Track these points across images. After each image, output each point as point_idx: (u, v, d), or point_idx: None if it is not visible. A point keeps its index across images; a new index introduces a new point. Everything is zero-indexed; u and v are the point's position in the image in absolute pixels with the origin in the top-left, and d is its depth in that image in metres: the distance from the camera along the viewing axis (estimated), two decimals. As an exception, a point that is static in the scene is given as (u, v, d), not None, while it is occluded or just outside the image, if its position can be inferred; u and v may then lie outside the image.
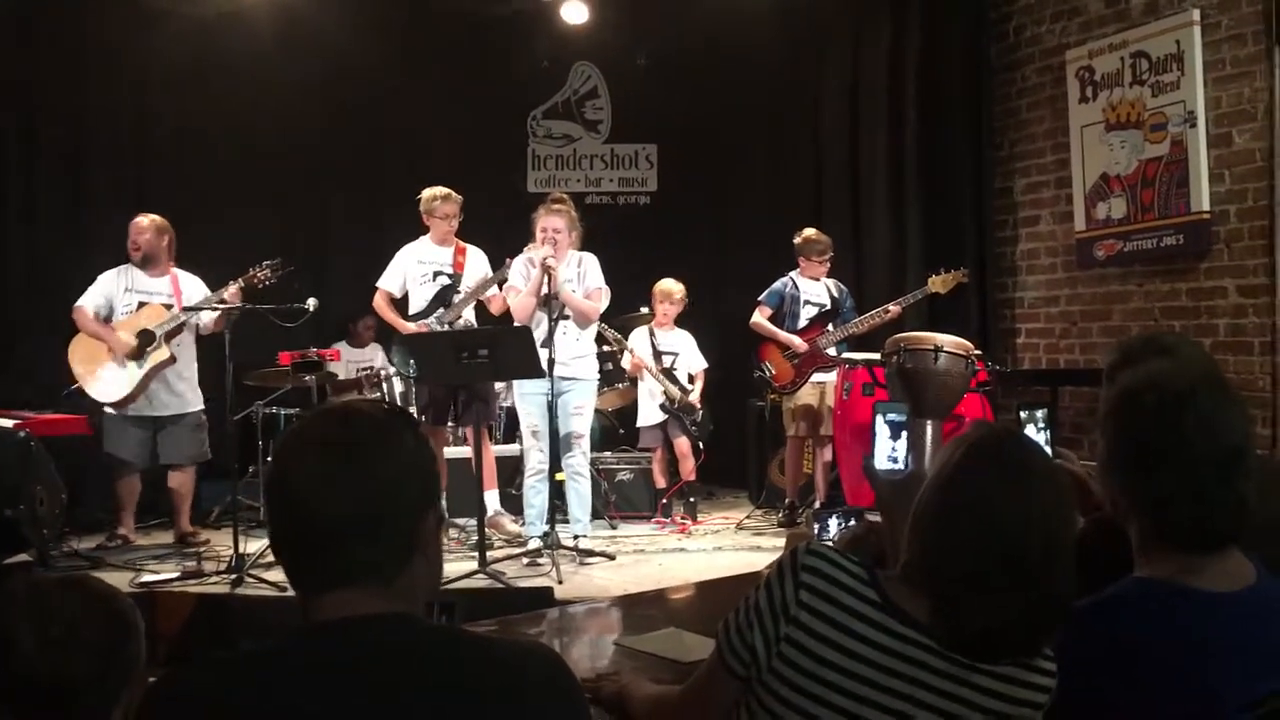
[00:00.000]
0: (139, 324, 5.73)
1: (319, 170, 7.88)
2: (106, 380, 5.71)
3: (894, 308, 6.32)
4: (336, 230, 8.18)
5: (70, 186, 7.03)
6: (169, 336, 5.75)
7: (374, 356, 7.60)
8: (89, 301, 5.81)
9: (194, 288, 5.96)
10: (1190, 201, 5.65)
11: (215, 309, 5.64)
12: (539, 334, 5.31)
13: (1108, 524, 1.80)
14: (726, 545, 6.01)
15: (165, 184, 7.13)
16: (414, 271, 6.13)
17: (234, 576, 4.86)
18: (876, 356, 5.48)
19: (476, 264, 6.11)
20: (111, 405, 5.74)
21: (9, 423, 5.13)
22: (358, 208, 8.15)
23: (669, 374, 6.89)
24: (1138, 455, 1.67)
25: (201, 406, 5.97)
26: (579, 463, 5.64)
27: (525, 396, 5.60)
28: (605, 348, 6.95)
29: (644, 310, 7.27)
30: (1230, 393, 1.71)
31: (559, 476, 5.63)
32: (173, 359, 5.78)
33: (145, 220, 5.93)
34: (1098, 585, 1.66)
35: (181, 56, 7.14)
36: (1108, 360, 2.21)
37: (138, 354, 5.69)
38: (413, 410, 6.00)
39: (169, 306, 5.78)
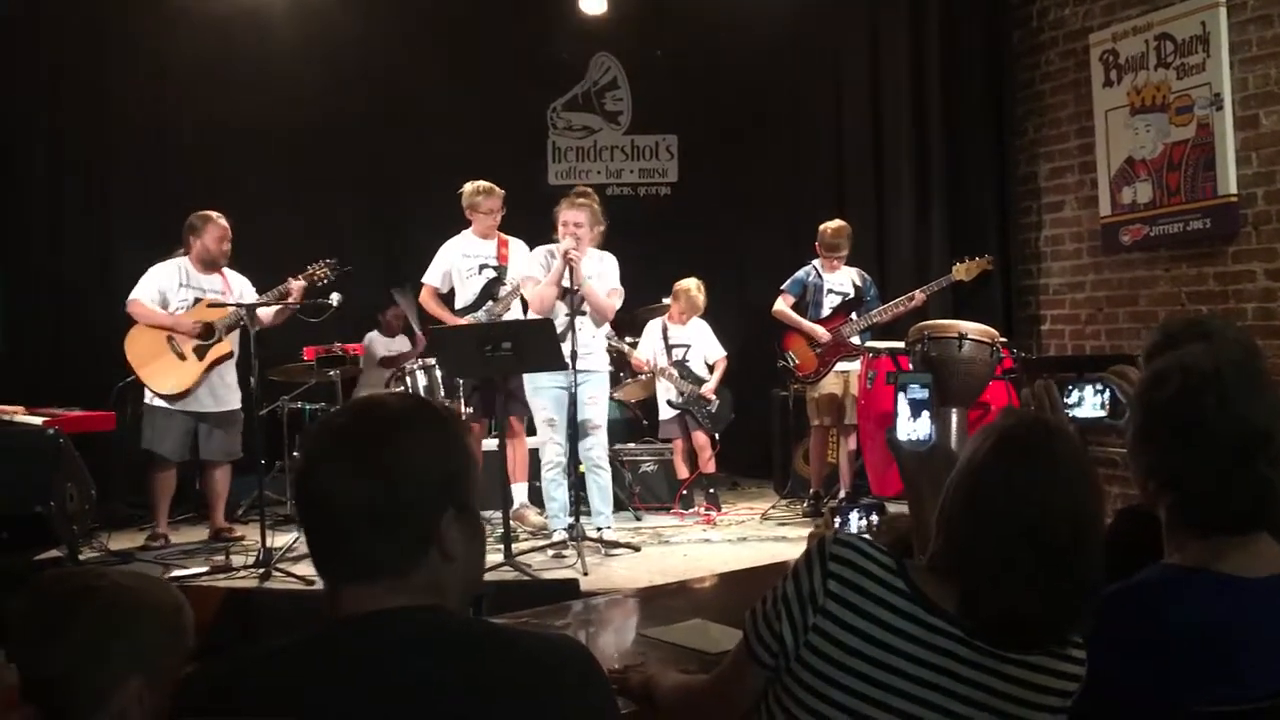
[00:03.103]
0: (199, 318, 5.77)
1: (339, 164, 7.89)
2: (167, 372, 5.73)
3: (918, 295, 6.29)
4: (357, 224, 8.19)
5: (94, 186, 7.08)
6: (228, 331, 5.80)
7: (404, 346, 7.66)
8: (144, 294, 5.81)
9: (243, 286, 6.01)
10: (1217, 185, 5.60)
11: (279, 305, 5.66)
12: (558, 326, 5.31)
13: (1143, 514, 1.79)
14: (751, 535, 6.01)
15: (187, 180, 7.16)
16: (459, 265, 6.17)
17: (262, 571, 4.89)
18: (900, 345, 5.46)
19: (520, 256, 6.10)
20: (166, 398, 5.77)
21: (38, 420, 5.16)
22: (378, 201, 8.19)
23: (680, 366, 6.90)
24: (1162, 436, 1.67)
25: (239, 405, 5.97)
26: (598, 454, 5.62)
27: (540, 390, 5.59)
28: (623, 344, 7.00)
29: (666, 301, 7.27)
30: (1261, 377, 1.69)
31: (580, 468, 5.63)
32: (232, 353, 5.83)
33: (225, 221, 5.96)
34: (1131, 573, 1.66)
35: (200, 54, 7.17)
36: (1149, 342, 2.19)
37: (200, 346, 5.73)
38: (460, 400, 6.02)
39: (224, 304, 5.80)
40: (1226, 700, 1.56)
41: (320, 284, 5.78)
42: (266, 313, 5.77)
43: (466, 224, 6.25)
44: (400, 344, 7.71)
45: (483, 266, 6.16)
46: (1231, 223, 5.55)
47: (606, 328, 5.85)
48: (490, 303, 6.07)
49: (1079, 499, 1.51)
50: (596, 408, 5.60)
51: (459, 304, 6.18)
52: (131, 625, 1.66)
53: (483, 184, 6.17)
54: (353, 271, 5.95)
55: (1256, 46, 5.43)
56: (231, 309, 5.74)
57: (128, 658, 1.64)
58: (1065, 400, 2.16)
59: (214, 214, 5.96)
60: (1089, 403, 2.19)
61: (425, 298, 6.25)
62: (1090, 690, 1.55)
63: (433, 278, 6.23)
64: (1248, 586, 1.61)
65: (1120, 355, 5.97)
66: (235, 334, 5.89)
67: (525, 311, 5.98)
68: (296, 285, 5.70)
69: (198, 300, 5.85)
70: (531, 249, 5.86)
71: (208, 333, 5.75)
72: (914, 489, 2.06)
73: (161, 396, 5.77)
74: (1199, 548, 1.65)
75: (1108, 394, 2.17)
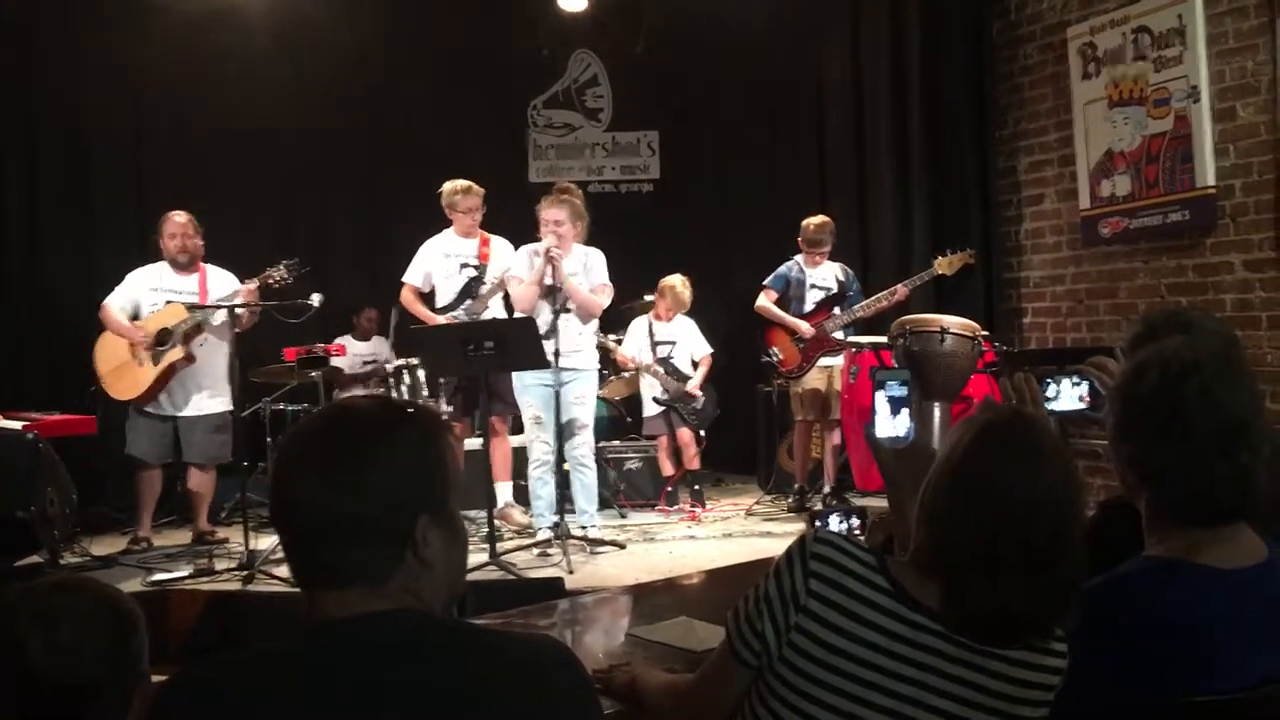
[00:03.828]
0: (160, 323, 5.70)
1: (317, 162, 7.86)
2: (122, 378, 5.70)
3: (901, 290, 6.30)
4: (336, 223, 8.16)
5: (73, 188, 7.01)
6: (187, 336, 5.68)
7: (378, 350, 7.60)
8: (113, 300, 5.76)
9: (223, 282, 5.87)
10: (1195, 177, 5.62)
11: (233, 306, 5.59)
12: (542, 325, 5.29)
13: (1124, 506, 1.80)
14: (736, 531, 6.01)
15: (164, 179, 7.11)
16: (440, 265, 6.14)
17: (245, 573, 4.87)
18: (883, 340, 5.47)
19: (501, 254, 6.07)
20: (131, 403, 5.73)
21: (17, 425, 5.13)
22: (357, 200, 8.15)
23: (665, 363, 6.89)
24: (1143, 428, 1.67)
25: (227, 408, 5.78)
26: (583, 453, 5.61)
27: (527, 388, 5.58)
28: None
29: (647, 298, 7.26)
30: (1240, 367, 1.70)
31: (564, 466, 5.62)
32: (190, 359, 5.70)
33: (183, 217, 5.84)
34: (1113, 566, 1.66)
35: (180, 54, 7.12)
36: (1129, 334, 2.19)
37: (157, 352, 5.68)
38: (442, 401, 5.98)
39: (192, 306, 5.70)
40: (1209, 691, 1.56)
41: (276, 285, 5.67)
42: (240, 315, 5.69)
43: (447, 222, 6.22)
44: (374, 346, 7.66)
45: (463, 266, 6.12)
46: (1209, 215, 5.58)
47: (595, 324, 5.82)
48: (469, 301, 6.04)
49: (1059, 492, 1.51)
50: (583, 407, 5.60)
51: (439, 303, 6.15)
52: (138, 626, 1.65)
53: (461, 183, 6.13)
54: (311, 270, 5.85)
55: (1233, 39, 5.45)
56: (189, 314, 5.66)
57: (133, 654, 1.62)
58: (1045, 394, 2.17)
59: (173, 212, 5.87)
60: (1068, 395, 2.19)
61: (406, 297, 6.21)
62: (1073, 683, 1.56)
63: (413, 277, 6.19)
64: (1229, 578, 1.62)
65: (1100, 347, 6.00)
66: (207, 338, 5.76)
67: (507, 309, 5.97)
68: (246, 289, 5.62)
69: (169, 303, 5.76)
70: (515, 247, 5.84)
71: (163, 338, 5.67)
72: (894, 485, 2.06)
73: (126, 401, 5.74)
74: (1180, 540, 1.65)
75: (1086, 386, 2.17)
